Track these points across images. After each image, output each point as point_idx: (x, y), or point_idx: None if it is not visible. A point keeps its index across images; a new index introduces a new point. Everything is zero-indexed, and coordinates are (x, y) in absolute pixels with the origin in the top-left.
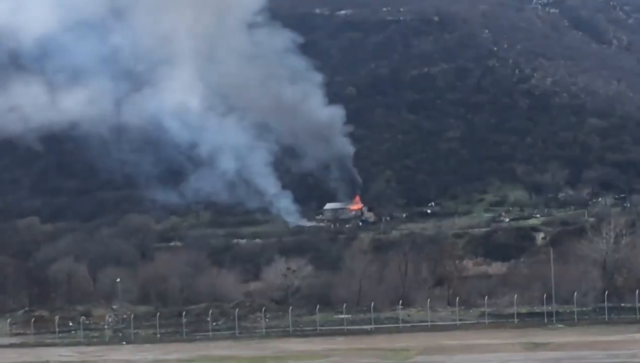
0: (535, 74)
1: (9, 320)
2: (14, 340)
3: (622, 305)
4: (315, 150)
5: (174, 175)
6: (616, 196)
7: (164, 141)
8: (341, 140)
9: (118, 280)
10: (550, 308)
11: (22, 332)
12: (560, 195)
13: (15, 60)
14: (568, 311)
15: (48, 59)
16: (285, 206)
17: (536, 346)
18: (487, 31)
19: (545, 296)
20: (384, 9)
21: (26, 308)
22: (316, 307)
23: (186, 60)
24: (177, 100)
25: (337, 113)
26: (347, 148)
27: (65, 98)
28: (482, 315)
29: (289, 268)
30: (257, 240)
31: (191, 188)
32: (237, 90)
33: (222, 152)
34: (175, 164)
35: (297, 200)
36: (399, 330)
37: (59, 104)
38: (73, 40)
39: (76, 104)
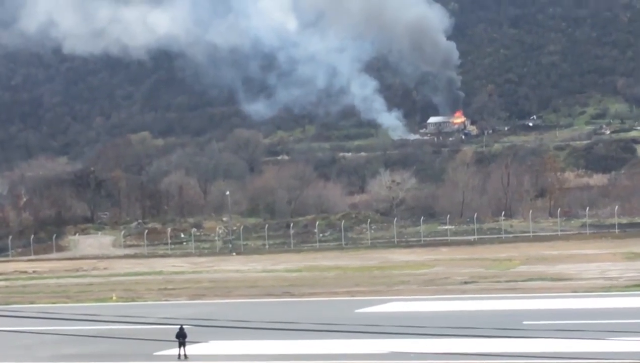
0: None
1: (122, 232)
2: (127, 251)
3: None
4: (419, 65)
5: (277, 90)
6: None
7: (266, 57)
8: (444, 54)
9: (227, 193)
10: None
11: (135, 243)
12: None
13: None
14: None
15: None
16: (389, 120)
17: (637, 256)
18: None
19: None
20: None
21: (139, 221)
22: (420, 218)
23: None
24: (274, 17)
25: (439, 24)
26: (451, 62)
27: (167, 18)
28: (583, 225)
29: (393, 181)
30: (362, 154)
31: (296, 104)
32: (336, 7)
33: (324, 67)
34: (279, 79)
35: (400, 114)
36: (501, 241)
37: (158, 24)
38: None
39: (175, 24)
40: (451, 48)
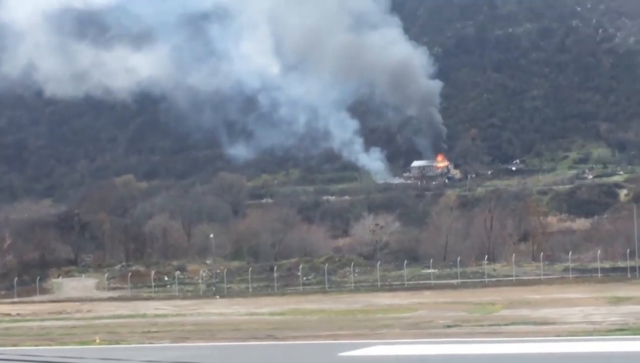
0: (618, 33)
1: (106, 275)
2: (111, 293)
3: None
4: (401, 108)
5: (260, 133)
6: None
7: (248, 101)
8: (426, 94)
9: (211, 236)
10: (633, 263)
11: (119, 286)
12: None
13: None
14: None
15: (123, 23)
16: (371, 163)
17: (619, 300)
18: None
19: (628, 251)
20: None
21: (123, 263)
22: (404, 262)
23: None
24: (256, 60)
25: (422, 67)
26: (434, 106)
27: (149, 61)
28: (566, 269)
29: (377, 224)
30: (346, 197)
31: (279, 147)
32: (319, 50)
33: (306, 110)
34: (261, 122)
35: (384, 158)
36: (484, 285)
37: (140, 68)
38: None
39: (157, 67)
40: (433, 88)
